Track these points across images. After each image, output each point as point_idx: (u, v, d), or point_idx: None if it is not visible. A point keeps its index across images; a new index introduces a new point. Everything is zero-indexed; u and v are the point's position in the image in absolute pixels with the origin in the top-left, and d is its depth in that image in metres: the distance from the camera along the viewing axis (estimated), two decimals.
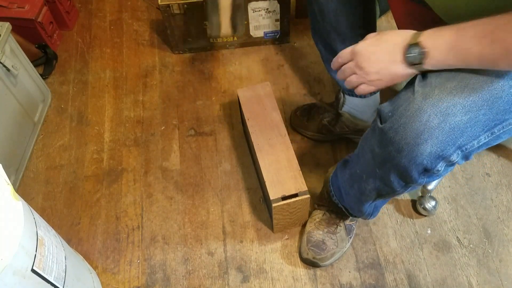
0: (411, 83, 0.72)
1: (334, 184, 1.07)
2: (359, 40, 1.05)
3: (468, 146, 0.69)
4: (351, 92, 1.18)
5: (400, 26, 1.02)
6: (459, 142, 0.68)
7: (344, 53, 0.79)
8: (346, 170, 0.99)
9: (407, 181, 0.77)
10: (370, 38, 0.75)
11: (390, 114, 0.71)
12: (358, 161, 0.90)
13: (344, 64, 0.80)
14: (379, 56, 0.73)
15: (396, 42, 0.70)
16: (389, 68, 0.72)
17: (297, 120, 1.32)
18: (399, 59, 0.70)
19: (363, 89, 0.78)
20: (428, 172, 0.72)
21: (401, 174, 0.76)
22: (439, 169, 0.71)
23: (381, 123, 0.74)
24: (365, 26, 1.04)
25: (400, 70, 0.71)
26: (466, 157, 0.72)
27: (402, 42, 0.69)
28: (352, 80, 0.78)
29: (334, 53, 1.09)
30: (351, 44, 1.06)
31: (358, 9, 1.00)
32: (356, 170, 0.92)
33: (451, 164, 0.71)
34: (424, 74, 0.71)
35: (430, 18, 0.97)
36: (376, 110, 1.22)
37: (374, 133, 0.77)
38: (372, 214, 1.04)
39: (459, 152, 0.69)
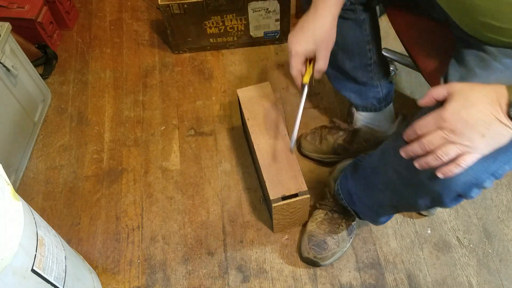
0: (433, 108, 0.69)
1: (343, 188, 1.06)
2: (369, 56, 1.04)
3: (500, 171, 0.68)
4: (364, 107, 1.16)
5: (401, 35, 1.01)
6: (492, 169, 0.67)
7: (426, 123, 0.64)
8: (361, 179, 0.96)
9: (436, 205, 0.76)
10: (454, 101, 0.63)
11: None
12: (377, 174, 0.87)
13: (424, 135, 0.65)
14: (478, 118, 0.61)
15: (491, 99, 0.61)
16: (494, 129, 0.61)
17: (308, 145, 1.26)
18: (503, 118, 0.60)
19: (467, 160, 0.63)
20: (461, 197, 0.72)
21: (432, 199, 0.75)
22: (473, 195, 0.70)
23: None
24: (373, 41, 1.03)
25: (506, 130, 0.61)
26: (497, 179, 0.71)
27: (500, 99, 0.60)
28: (449, 152, 0.63)
29: (342, 71, 1.08)
30: (360, 62, 1.05)
31: (364, 25, 0.99)
32: (375, 183, 0.88)
33: (484, 188, 0.70)
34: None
35: (430, 27, 0.96)
36: (396, 125, 1.20)
37: (399, 155, 0.73)
38: (385, 222, 1.04)
39: (492, 178, 0.68)
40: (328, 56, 0.88)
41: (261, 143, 1.11)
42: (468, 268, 1.11)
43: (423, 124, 0.65)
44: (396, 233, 1.16)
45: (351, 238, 1.12)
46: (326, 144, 1.24)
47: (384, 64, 1.10)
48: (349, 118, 1.22)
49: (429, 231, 1.16)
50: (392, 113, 1.19)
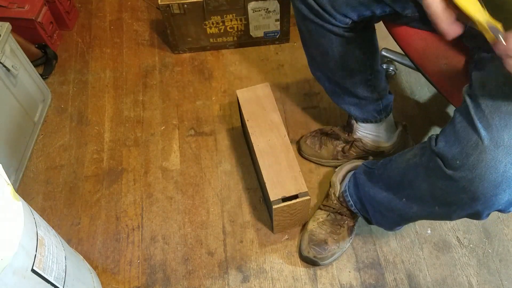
0: (464, 113, 0.68)
1: (352, 195, 1.06)
2: (369, 71, 1.02)
3: None
4: (365, 119, 1.15)
5: (408, 53, 0.98)
6: None
7: None
8: (378, 190, 0.94)
9: (471, 218, 0.76)
10: None
11: (458, 162, 0.68)
12: (401, 190, 0.86)
13: None
14: None
15: None
16: None
17: (308, 149, 1.26)
18: None
19: None
20: (499, 212, 0.71)
21: (470, 215, 0.75)
22: (511, 210, 0.70)
23: (446, 168, 0.70)
24: (372, 56, 1.02)
25: None
26: None
27: None
28: None
29: (342, 87, 1.06)
30: (361, 78, 1.03)
31: (364, 43, 0.97)
32: (398, 197, 0.87)
33: None
34: (477, 103, 0.67)
35: (437, 40, 0.91)
36: (397, 136, 1.15)
37: (433, 174, 0.72)
38: (400, 228, 1.03)
39: None
40: None
41: (261, 144, 1.11)
42: (468, 268, 1.11)
43: None
44: (396, 233, 1.16)
45: (351, 238, 1.12)
46: (325, 150, 1.24)
47: (383, 76, 1.09)
48: (348, 128, 1.21)
49: (429, 231, 1.16)
50: (392, 123, 1.18)
